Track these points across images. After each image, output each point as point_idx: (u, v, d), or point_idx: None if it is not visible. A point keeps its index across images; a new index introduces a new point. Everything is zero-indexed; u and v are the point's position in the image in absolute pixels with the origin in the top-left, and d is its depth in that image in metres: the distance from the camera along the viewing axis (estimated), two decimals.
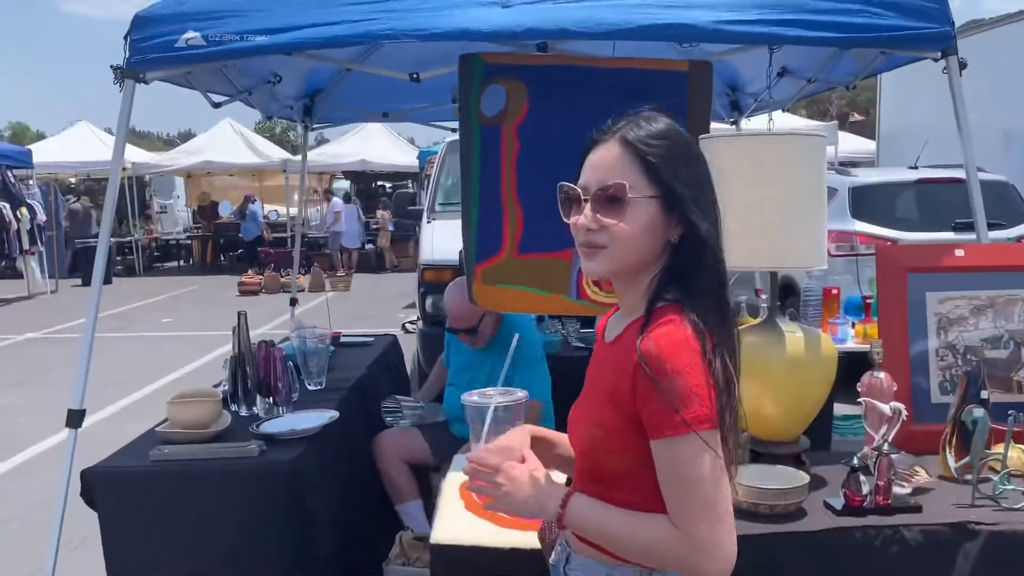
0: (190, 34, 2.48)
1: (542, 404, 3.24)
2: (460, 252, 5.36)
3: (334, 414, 2.96)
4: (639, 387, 1.23)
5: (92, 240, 17.62)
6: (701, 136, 2.28)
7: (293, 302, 5.43)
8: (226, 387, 3.21)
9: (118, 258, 17.74)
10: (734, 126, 5.13)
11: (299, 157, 21.88)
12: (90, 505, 2.61)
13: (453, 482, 2.24)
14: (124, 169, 18.01)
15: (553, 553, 1.48)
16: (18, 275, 14.96)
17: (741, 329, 2.34)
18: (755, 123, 5.01)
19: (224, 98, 3.47)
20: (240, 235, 18.24)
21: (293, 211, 19.00)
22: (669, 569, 1.29)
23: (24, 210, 13.96)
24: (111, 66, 2.56)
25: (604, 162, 1.32)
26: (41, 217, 14.49)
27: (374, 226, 18.34)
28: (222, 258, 19.48)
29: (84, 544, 3.56)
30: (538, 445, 1.45)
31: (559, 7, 2.33)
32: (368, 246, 18.38)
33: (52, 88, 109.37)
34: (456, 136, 6.65)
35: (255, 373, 3.14)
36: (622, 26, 2.29)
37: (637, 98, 2.67)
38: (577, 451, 1.41)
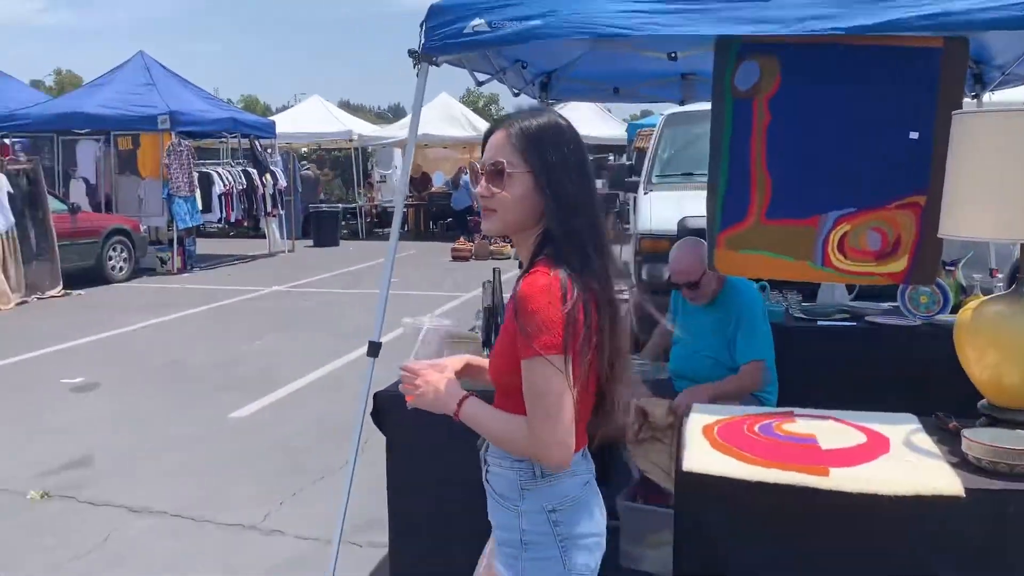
0: (476, 21, 2.84)
1: (763, 362, 3.41)
2: (678, 222, 5.59)
3: None
4: (516, 322, 1.58)
5: (322, 205, 19.21)
6: (954, 112, 2.35)
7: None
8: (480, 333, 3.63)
9: (342, 223, 19.26)
10: (975, 100, 4.94)
11: None
12: (378, 426, 3.09)
13: (697, 422, 2.49)
14: (350, 140, 19.47)
15: (479, 441, 1.83)
16: (261, 235, 16.67)
17: (987, 300, 2.43)
18: (1000, 97, 4.80)
19: (485, 76, 3.86)
20: (451, 204, 19.25)
21: None
22: (524, 455, 1.67)
23: (268, 176, 15.53)
24: (408, 51, 2.98)
25: (494, 144, 1.69)
26: (282, 183, 16.04)
27: None
28: (432, 226, 20.63)
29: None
30: (473, 370, 1.88)
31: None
32: None
33: (278, 63, 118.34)
34: (677, 109, 6.85)
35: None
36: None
37: (888, 73, 2.77)
38: (492, 376, 1.77)
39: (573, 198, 1.65)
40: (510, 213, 1.68)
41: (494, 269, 3.62)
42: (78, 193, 13.83)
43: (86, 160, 14.46)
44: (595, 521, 1.75)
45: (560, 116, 1.74)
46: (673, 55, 3.56)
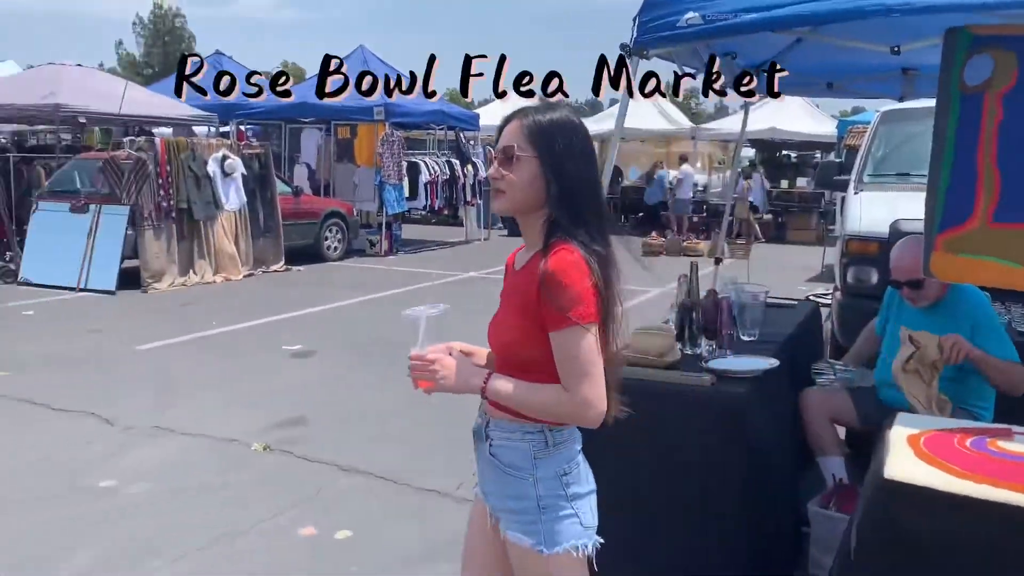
0: (690, 14, 2.86)
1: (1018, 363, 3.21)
2: (891, 224, 5.28)
3: (774, 362, 3.22)
4: (542, 298, 1.73)
5: None
6: None
7: (718, 261, 5.78)
8: (673, 326, 3.65)
9: None
10: None
11: (703, 125, 21.96)
12: None
13: (901, 432, 2.39)
14: None
15: (474, 422, 1.97)
16: (459, 223, 17.37)
17: None
18: None
19: (691, 70, 3.85)
20: (644, 199, 19.14)
21: (699, 178, 19.39)
22: (561, 421, 1.82)
23: (469, 167, 16.13)
24: (620, 44, 3.05)
25: (508, 132, 1.85)
26: (482, 174, 16.61)
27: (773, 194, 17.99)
28: (624, 220, 20.59)
29: None
30: (465, 356, 1.96)
31: None
32: (767, 216, 18.18)
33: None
34: (894, 106, 6.45)
35: (699, 318, 3.54)
36: None
37: None
38: (496, 352, 1.93)
39: (577, 183, 1.81)
40: (518, 194, 1.84)
41: (691, 263, 3.63)
42: (301, 177, 15.03)
43: (309, 147, 15.69)
44: (591, 478, 1.95)
45: (572, 111, 1.90)
46: (896, 48, 3.40)
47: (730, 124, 19.06)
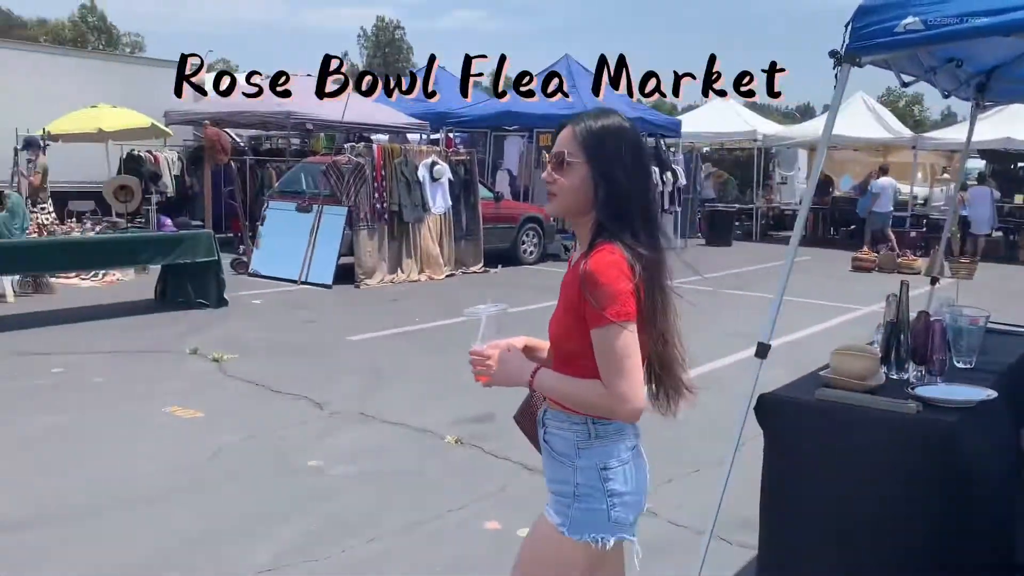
0: (909, 19, 2.69)
1: None
2: None
3: (992, 393, 2.96)
4: (583, 296, 1.81)
5: (718, 204, 19.21)
6: None
7: (934, 281, 5.36)
8: (879, 348, 3.44)
9: (736, 223, 19.10)
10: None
11: (926, 134, 20.35)
12: (762, 427, 3.10)
13: None
14: (754, 141, 19.17)
15: (539, 410, 2.08)
16: None
17: None
18: None
19: (911, 78, 3.62)
20: (856, 210, 18.05)
21: (918, 190, 18.05)
22: (600, 414, 1.89)
23: (668, 174, 15.94)
24: (830, 52, 2.92)
25: (562, 138, 1.95)
26: (682, 181, 16.37)
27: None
28: (833, 232, 19.53)
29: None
30: (529, 350, 2.11)
31: None
32: (996, 233, 16.61)
33: (688, 62, 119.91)
34: None
35: (908, 340, 3.31)
36: None
37: None
38: (551, 345, 2.03)
39: (624, 188, 1.88)
40: (568, 197, 1.94)
41: (902, 282, 3.41)
42: (502, 183, 15.51)
43: (512, 154, 16.15)
44: (639, 482, 1.99)
45: (624, 119, 1.97)
46: None
47: (956, 133, 17.57)
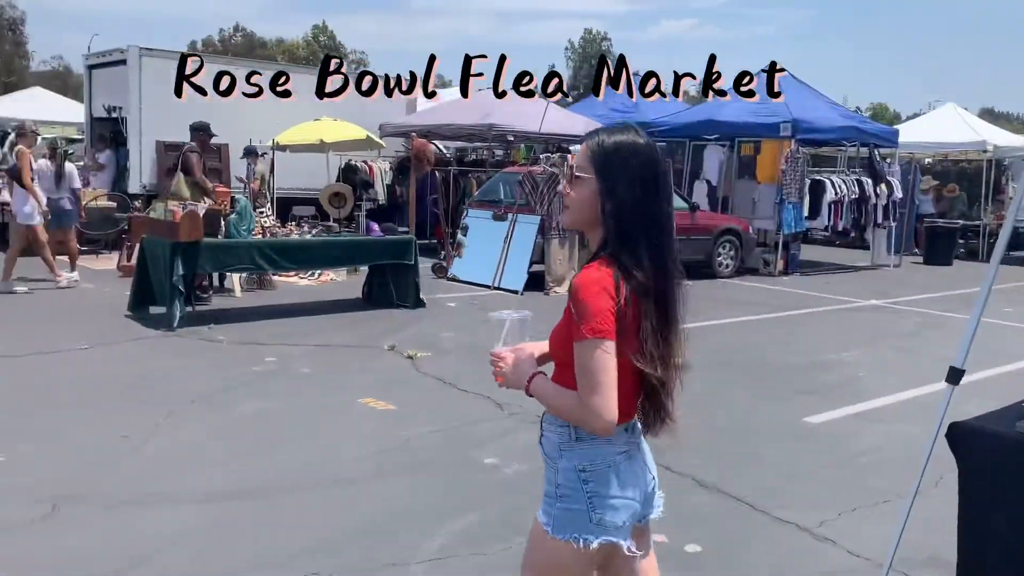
0: None
1: None
2: None
3: None
4: (571, 308, 1.88)
5: (938, 220, 17.75)
6: None
7: None
8: None
9: (960, 240, 17.55)
10: None
11: None
12: (956, 457, 2.85)
13: None
14: (983, 152, 17.57)
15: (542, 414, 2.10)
16: (865, 246, 16.17)
17: None
18: None
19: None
20: None
21: None
22: (576, 425, 1.95)
23: (883, 186, 14.95)
24: None
25: (579, 153, 2.02)
26: (897, 194, 15.30)
27: None
28: None
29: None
30: (545, 357, 2.13)
31: None
32: None
33: (911, 69, 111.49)
34: None
35: None
36: None
37: None
38: (550, 352, 2.10)
39: (629, 205, 1.92)
40: (577, 211, 2.01)
41: None
42: (700, 193, 15.20)
43: (711, 163, 15.79)
44: (627, 487, 2.00)
45: (641, 136, 1.98)
46: None
47: None
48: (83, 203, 11.00)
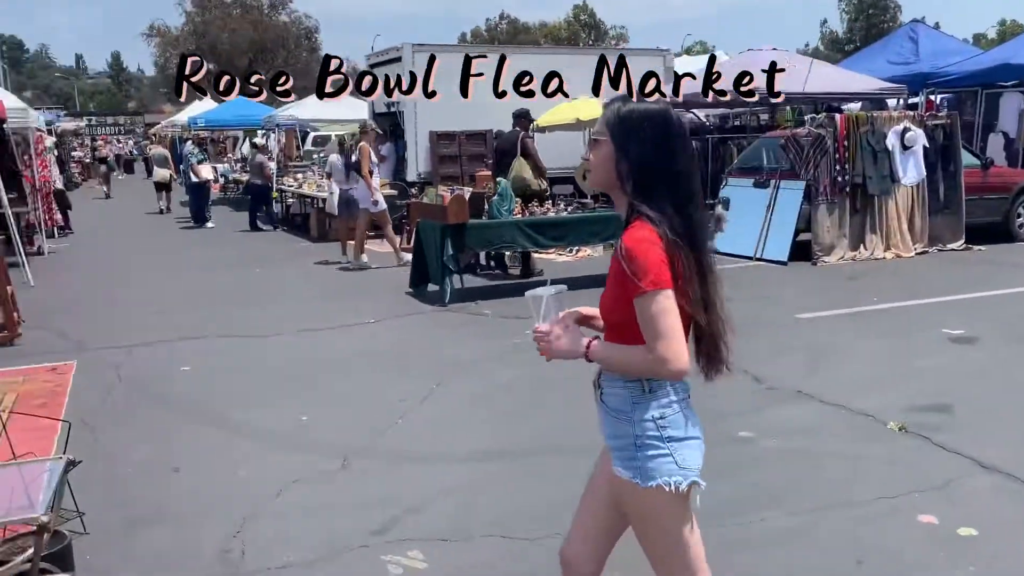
0: None
1: None
2: None
3: None
4: (623, 270, 1.99)
5: None
6: None
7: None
8: None
9: None
10: None
11: None
12: None
13: None
14: None
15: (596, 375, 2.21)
16: None
17: None
18: None
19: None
20: None
21: None
22: (648, 376, 2.06)
23: None
24: None
25: (598, 121, 2.20)
26: None
27: None
28: None
29: None
30: (587, 319, 2.26)
31: None
32: None
33: None
34: None
35: None
36: None
37: None
38: (602, 316, 2.20)
39: (644, 163, 2.06)
40: (598, 173, 2.16)
41: None
42: (995, 147, 13.60)
43: (1008, 113, 14.04)
44: (694, 427, 2.13)
45: (655, 104, 2.12)
46: None
47: None
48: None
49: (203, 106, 31.10)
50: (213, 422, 5.22)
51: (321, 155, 18.01)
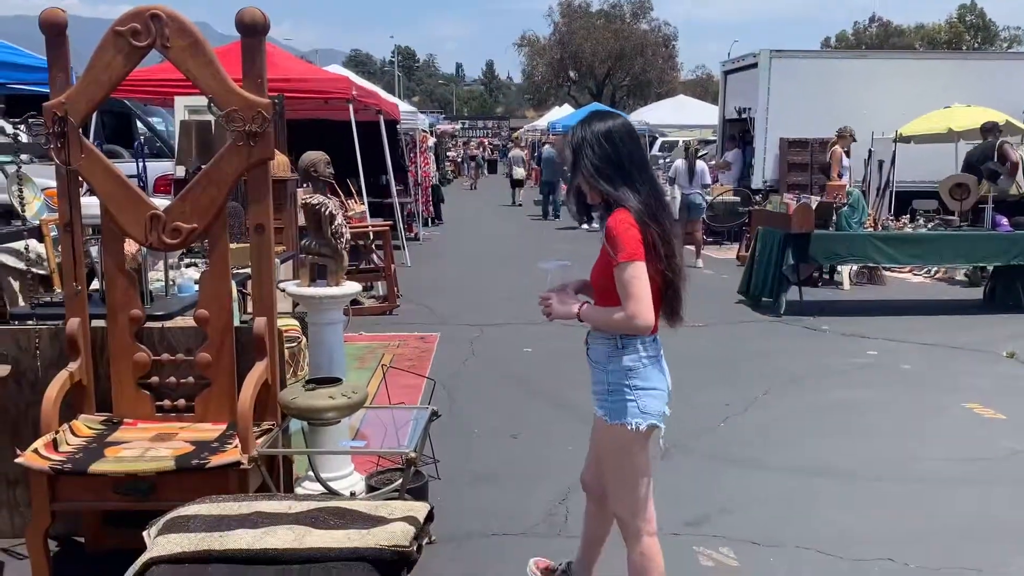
0: None
1: None
2: None
3: None
4: (607, 245, 2.54)
5: None
6: None
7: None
8: None
9: None
10: None
11: None
12: None
13: None
14: None
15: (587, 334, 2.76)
16: None
17: None
18: None
19: None
20: None
21: None
22: (623, 331, 2.57)
23: None
24: None
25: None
26: None
27: None
28: None
29: None
30: (587, 286, 2.79)
31: None
32: None
33: None
34: None
35: None
36: None
37: None
38: (592, 283, 2.74)
39: (599, 161, 2.59)
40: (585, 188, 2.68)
41: None
42: None
43: None
44: (659, 381, 2.64)
45: (606, 114, 2.70)
46: None
47: None
48: (711, 198, 12.20)
49: (561, 112, 33.07)
50: (548, 399, 5.70)
51: (667, 160, 18.34)
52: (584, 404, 5.59)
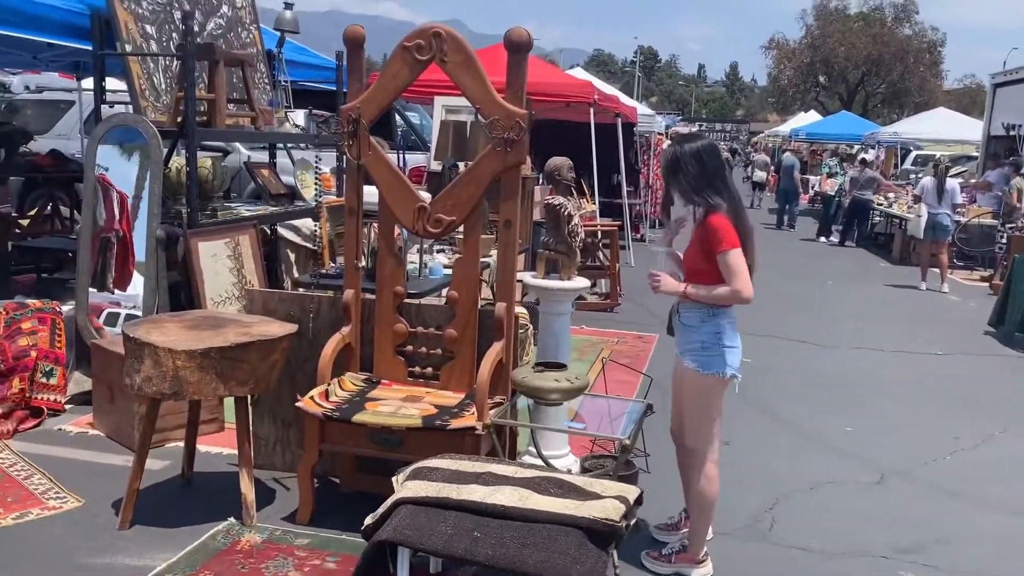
0: None
1: None
2: None
3: None
4: (709, 238, 3.24)
5: None
6: None
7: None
8: None
9: None
10: None
11: None
12: None
13: None
14: None
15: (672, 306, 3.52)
16: None
17: None
18: None
19: None
20: None
21: None
22: (727, 303, 3.30)
23: None
24: None
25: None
26: None
27: None
28: None
29: None
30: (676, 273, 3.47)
31: None
32: None
33: None
34: None
35: None
36: None
37: None
38: (686, 267, 3.41)
39: (692, 175, 3.29)
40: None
41: None
42: None
43: None
44: (738, 341, 3.37)
45: (691, 136, 3.55)
46: None
47: None
48: (964, 219, 11.35)
49: (807, 118, 31.76)
50: (762, 411, 5.72)
51: (919, 175, 17.15)
52: (798, 418, 5.62)
